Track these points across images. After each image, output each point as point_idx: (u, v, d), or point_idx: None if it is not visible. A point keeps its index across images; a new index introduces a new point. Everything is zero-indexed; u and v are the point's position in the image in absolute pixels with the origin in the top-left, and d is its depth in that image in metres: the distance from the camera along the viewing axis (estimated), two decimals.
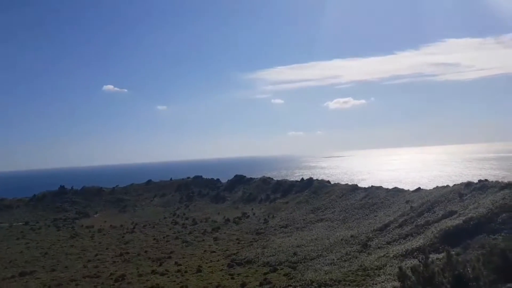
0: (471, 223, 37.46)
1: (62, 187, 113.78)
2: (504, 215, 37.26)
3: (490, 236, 34.16)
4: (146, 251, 56.36)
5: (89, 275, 45.22)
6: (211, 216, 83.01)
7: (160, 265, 48.44)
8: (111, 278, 43.30)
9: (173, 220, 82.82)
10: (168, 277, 43.00)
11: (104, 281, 42.52)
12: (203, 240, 61.91)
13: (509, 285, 21.15)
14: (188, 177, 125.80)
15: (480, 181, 53.28)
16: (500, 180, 53.19)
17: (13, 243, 66.40)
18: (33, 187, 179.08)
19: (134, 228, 76.32)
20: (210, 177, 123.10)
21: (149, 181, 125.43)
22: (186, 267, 46.18)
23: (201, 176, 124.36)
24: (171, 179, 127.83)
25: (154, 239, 65.12)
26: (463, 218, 39.08)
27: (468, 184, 52.56)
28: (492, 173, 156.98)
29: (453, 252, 25.71)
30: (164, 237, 65.73)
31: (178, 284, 39.84)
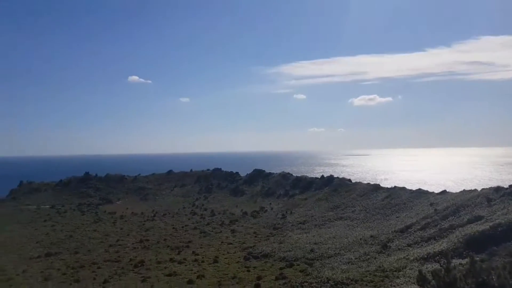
0: (499, 229, 36.02)
1: (87, 173, 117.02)
2: None
3: None
4: (165, 239, 57.21)
5: (110, 259, 46.28)
6: (229, 208, 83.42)
7: (178, 253, 49.05)
8: (131, 264, 44.16)
9: (192, 210, 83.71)
10: (186, 265, 43.48)
11: (124, 266, 43.42)
12: (221, 231, 62.30)
13: None
14: (208, 169, 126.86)
15: (510, 186, 51.12)
16: None
17: (40, 224, 68.94)
18: (59, 172, 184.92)
19: (154, 216, 77.61)
20: (229, 170, 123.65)
21: (170, 171, 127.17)
22: (203, 257, 46.58)
23: (220, 169, 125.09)
24: (191, 170, 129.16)
25: (173, 228, 66.03)
26: (490, 223, 37.64)
27: (498, 189, 50.49)
28: None
29: (478, 258, 24.73)
30: (182, 227, 66.55)
31: (195, 273, 40.21)
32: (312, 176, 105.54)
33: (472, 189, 57.40)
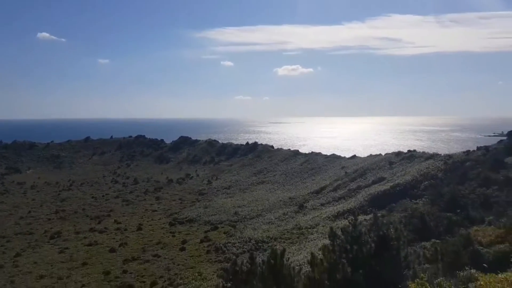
0: (397, 188, 41.22)
1: None
2: (426, 182, 41.40)
3: (413, 200, 37.96)
4: (83, 209, 55.05)
5: (22, 232, 43.63)
6: (153, 176, 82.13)
7: (99, 223, 47.81)
8: (46, 235, 42.17)
9: (113, 179, 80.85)
10: (107, 234, 42.77)
11: (38, 238, 41.32)
12: (145, 199, 61.61)
13: (424, 243, 24.23)
14: (130, 136, 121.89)
15: (409, 151, 58.10)
16: (426, 151, 58.44)
17: None
18: None
19: (71, 186, 73.55)
20: (153, 137, 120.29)
21: (87, 138, 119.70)
22: (126, 225, 46.09)
23: (144, 136, 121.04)
24: (111, 137, 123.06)
25: (93, 197, 63.54)
26: (391, 184, 42.83)
27: (398, 154, 57.16)
28: (420, 144, 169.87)
29: (379, 214, 28.36)
30: (103, 196, 64.33)
31: (117, 241, 39.86)
32: (237, 143, 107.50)
33: (377, 154, 64.15)
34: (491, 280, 6.33)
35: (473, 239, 16.09)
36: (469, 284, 7.16)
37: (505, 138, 51.28)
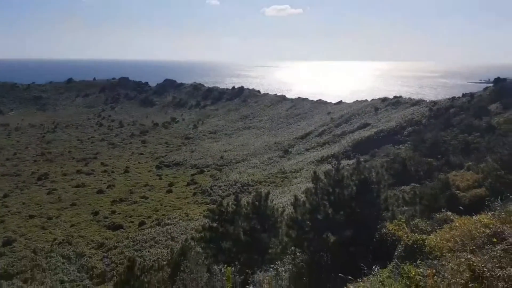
0: (381, 134, 41.96)
1: None
2: (410, 128, 42.15)
3: (395, 146, 38.84)
4: (70, 151, 54.88)
5: (9, 173, 43.61)
6: (138, 119, 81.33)
7: (86, 165, 47.96)
8: (33, 177, 42.29)
9: (98, 121, 79.87)
10: (94, 176, 43.11)
11: (25, 180, 41.43)
12: (131, 142, 61.48)
13: (404, 187, 25.17)
14: (114, 78, 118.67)
15: (395, 97, 58.33)
16: (412, 97, 58.78)
17: None
18: None
19: (55, 128, 72.55)
20: (137, 80, 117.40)
21: (70, 80, 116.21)
22: (113, 168, 46.39)
23: (127, 78, 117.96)
24: (94, 79, 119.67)
25: (78, 139, 63.08)
26: (375, 130, 43.48)
27: (384, 100, 57.41)
28: (408, 90, 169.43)
29: (362, 159, 29.09)
30: (88, 138, 63.93)
31: (105, 183, 40.30)
32: (223, 87, 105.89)
33: (364, 99, 64.28)
34: (465, 221, 6.61)
35: (451, 183, 16.70)
36: (444, 225, 7.49)
37: (491, 85, 51.62)
